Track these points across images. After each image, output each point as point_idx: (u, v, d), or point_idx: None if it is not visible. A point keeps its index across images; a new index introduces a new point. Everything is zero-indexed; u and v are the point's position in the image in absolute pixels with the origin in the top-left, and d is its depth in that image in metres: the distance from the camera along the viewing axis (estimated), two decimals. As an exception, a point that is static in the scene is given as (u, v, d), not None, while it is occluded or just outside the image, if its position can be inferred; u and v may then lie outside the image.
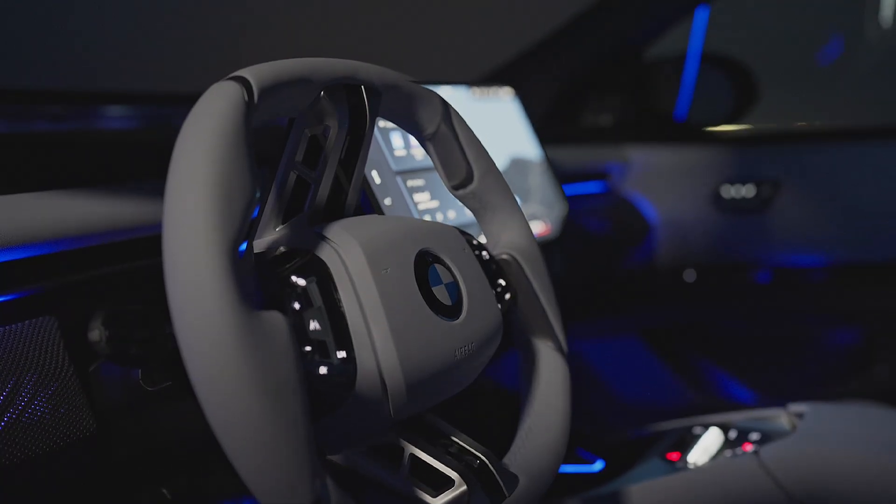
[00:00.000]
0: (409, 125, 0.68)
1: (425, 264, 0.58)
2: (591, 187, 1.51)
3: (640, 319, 1.63)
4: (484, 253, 0.69)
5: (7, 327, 0.59)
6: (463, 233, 0.68)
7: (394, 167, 0.90)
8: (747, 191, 1.52)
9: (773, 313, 1.54)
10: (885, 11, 2.29)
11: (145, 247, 0.72)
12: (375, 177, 0.87)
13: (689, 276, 1.57)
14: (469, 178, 0.70)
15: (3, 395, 0.57)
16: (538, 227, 1.11)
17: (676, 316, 1.61)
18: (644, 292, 1.60)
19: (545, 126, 1.54)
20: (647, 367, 1.61)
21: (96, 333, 0.48)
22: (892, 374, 1.42)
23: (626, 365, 1.64)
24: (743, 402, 1.56)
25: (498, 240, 0.72)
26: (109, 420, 0.61)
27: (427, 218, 0.92)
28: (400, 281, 0.55)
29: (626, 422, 1.65)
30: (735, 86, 1.69)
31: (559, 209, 1.15)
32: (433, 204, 0.93)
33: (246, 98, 0.50)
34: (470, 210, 0.72)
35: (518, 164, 1.11)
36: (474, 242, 0.68)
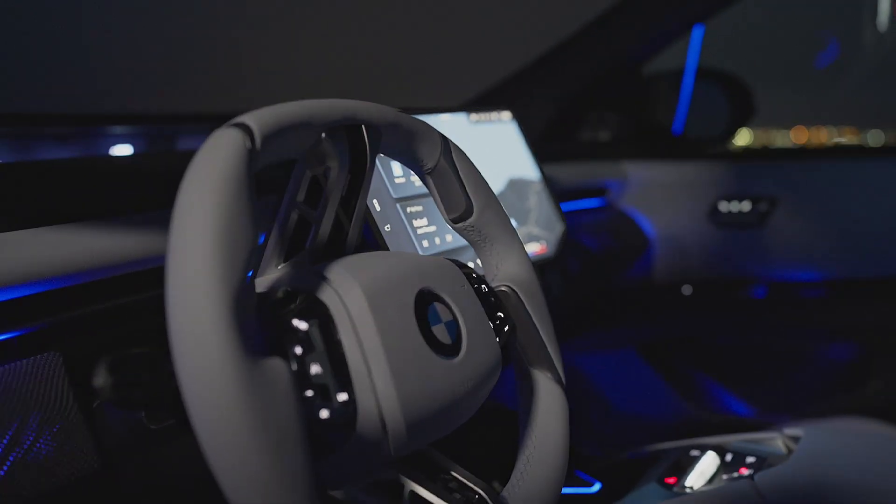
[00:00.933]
0: (409, 160, 0.69)
1: (425, 303, 0.59)
2: (589, 203, 1.52)
3: (637, 333, 1.64)
4: (483, 286, 0.69)
5: (11, 364, 0.60)
6: (462, 266, 0.69)
7: (393, 194, 0.91)
8: (744, 207, 1.53)
9: (769, 328, 1.55)
10: (882, 17, 2.30)
11: (149, 279, 0.73)
12: (376, 204, 0.88)
13: (686, 290, 1.58)
14: (468, 212, 0.71)
15: (8, 435, 0.57)
16: (536, 248, 1.11)
17: (673, 330, 1.62)
18: (641, 306, 1.61)
19: (545, 142, 1.56)
20: (644, 381, 1.62)
21: (101, 380, 0.49)
22: (887, 389, 1.43)
23: (624, 378, 1.65)
24: (739, 414, 1.57)
25: (497, 271, 0.73)
26: (114, 457, 0.62)
27: (425, 243, 0.93)
28: (400, 321, 0.56)
29: (624, 434, 1.66)
30: (732, 100, 1.70)
31: (557, 229, 1.16)
32: (431, 229, 0.94)
33: (248, 145, 0.51)
34: (469, 242, 0.73)
35: (517, 185, 1.11)
36: (473, 276, 0.69)
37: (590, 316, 1.57)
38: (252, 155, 0.51)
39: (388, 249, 0.87)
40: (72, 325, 0.66)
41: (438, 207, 0.71)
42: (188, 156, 1.19)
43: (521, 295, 0.71)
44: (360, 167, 0.62)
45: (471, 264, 0.97)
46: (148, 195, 0.80)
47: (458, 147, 0.71)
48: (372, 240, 0.87)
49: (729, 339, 1.62)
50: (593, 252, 1.48)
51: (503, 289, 0.71)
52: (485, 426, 1.15)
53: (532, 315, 0.71)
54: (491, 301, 0.69)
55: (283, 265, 0.61)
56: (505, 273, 0.73)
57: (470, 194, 0.71)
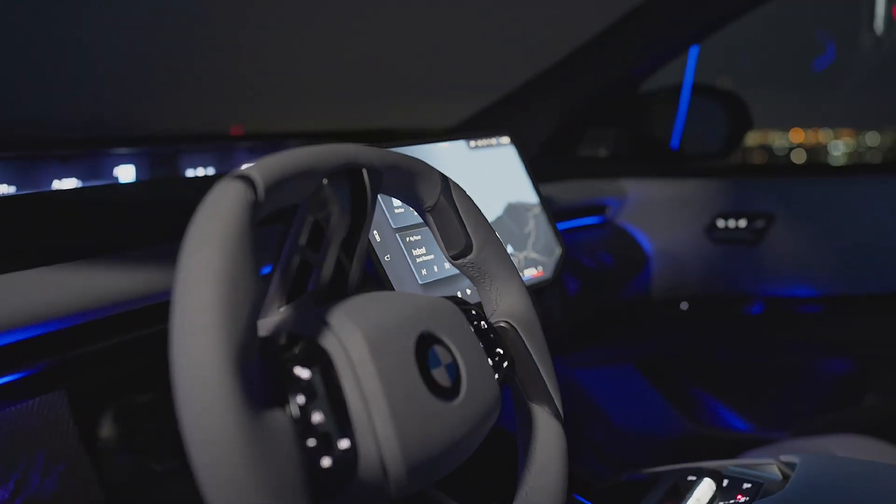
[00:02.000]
0: (410, 199, 0.70)
1: (425, 346, 0.60)
2: (588, 221, 1.53)
3: (635, 349, 1.65)
4: (482, 322, 0.70)
5: (17, 406, 0.60)
6: (461, 303, 0.70)
7: (392, 224, 0.92)
8: (741, 223, 1.54)
9: (767, 344, 1.56)
10: (879, 19, 2.31)
11: (152, 314, 0.74)
12: (376, 235, 0.89)
13: (684, 306, 1.60)
14: (468, 249, 0.72)
15: (15, 476, 0.58)
16: (534, 272, 1.12)
17: (671, 346, 1.63)
18: (640, 322, 1.62)
19: (544, 157, 1.56)
20: (643, 396, 1.63)
21: (107, 430, 0.50)
22: (884, 405, 1.44)
23: (622, 393, 1.66)
24: (737, 430, 1.58)
25: (496, 307, 0.74)
26: (118, 497, 0.62)
27: (424, 272, 0.94)
28: (401, 367, 0.56)
29: (622, 449, 1.67)
30: (729, 116, 1.71)
31: (556, 253, 1.17)
32: (430, 257, 0.95)
33: (251, 198, 0.52)
34: (469, 278, 0.74)
35: (515, 210, 1.12)
36: (472, 312, 0.70)
37: (588, 332, 1.58)
38: (255, 207, 0.52)
39: (388, 280, 0.88)
40: (76, 364, 0.67)
41: (438, 244, 0.72)
42: (190, 184, 1.20)
43: (519, 331, 0.72)
44: (362, 209, 0.63)
45: (468, 291, 0.99)
46: (151, 228, 0.81)
47: (457, 185, 0.72)
48: (372, 270, 0.88)
49: (726, 354, 1.63)
50: (592, 270, 1.49)
51: (502, 324, 0.72)
52: (483, 449, 1.16)
53: (531, 351, 0.72)
54: (490, 338, 0.70)
55: (285, 307, 0.61)
56: (504, 309, 0.73)
57: (469, 232, 0.72)
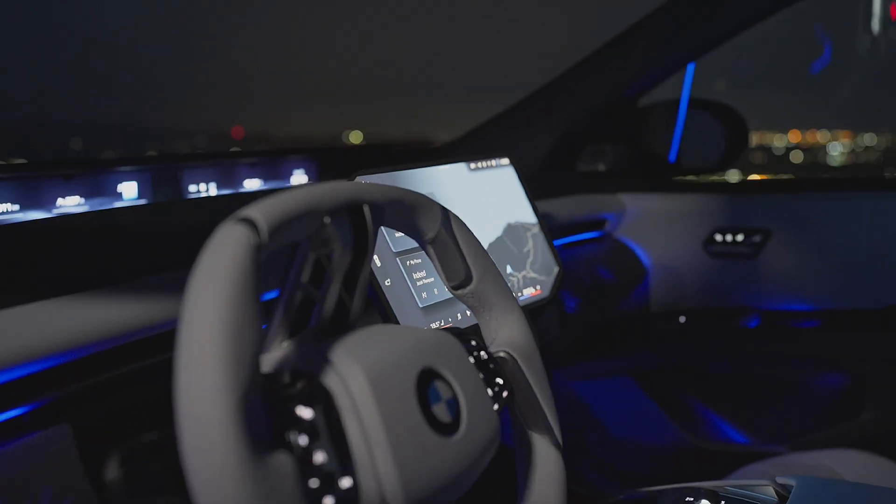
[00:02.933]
0: (411, 232, 0.71)
1: (426, 382, 0.60)
2: (587, 235, 1.54)
3: (633, 361, 1.66)
4: (482, 353, 0.71)
5: (22, 441, 0.61)
6: (461, 334, 0.70)
7: (393, 248, 0.92)
8: (738, 238, 1.55)
9: (764, 357, 1.57)
10: (876, 20, 2.31)
11: (155, 344, 0.75)
12: (376, 260, 0.89)
13: (682, 320, 1.61)
14: (468, 280, 0.73)
15: (21, 512, 0.59)
16: (532, 291, 1.13)
17: (669, 358, 1.64)
18: (638, 335, 1.63)
19: (544, 172, 1.57)
20: (641, 408, 1.64)
21: (112, 474, 0.50)
22: (879, 419, 1.45)
23: (620, 405, 1.67)
24: (734, 442, 1.59)
25: (495, 336, 0.75)
26: (123, 530, 0.63)
27: (424, 294, 0.95)
28: (402, 404, 0.57)
29: (620, 460, 1.68)
30: (726, 130, 1.72)
31: (553, 271, 1.18)
32: (430, 280, 0.95)
33: (254, 241, 0.53)
34: (469, 307, 0.75)
35: (514, 231, 1.13)
36: (472, 343, 0.71)
37: (587, 344, 1.59)
38: (258, 250, 0.53)
39: (389, 305, 0.89)
40: (80, 396, 0.68)
41: (439, 274, 0.73)
42: (192, 207, 1.21)
43: (518, 360, 0.73)
44: (363, 245, 0.64)
45: (468, 313, 1.00)
46: (154, 256, 0.82)
47: (457, 218, 0.73)
48: (373, 296, 0.89)
49: (724, 367, 1.64)
50: (591, 284, 1.50)
51: (501, 354, 0.73)
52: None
53: (530, 380, 0.73)
54: (489, 368, 0.71)
55: (287, 342, 0.62)
56: (503, 338, 0.74)
57: (469, 263, 0.73)
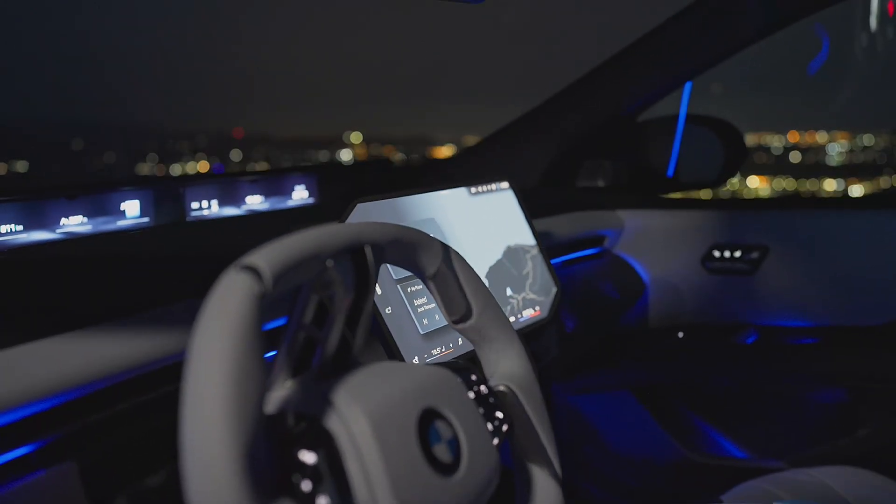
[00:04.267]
0: (412, 268, 0.72)
1: (427, 423, 0.62)
2: (586, 252, 1.55)
3: (632, 375, 1.67)
4: (482, 387, 0.72)
5: (27, 480, 0.62)
6: (461, 369, 0.72)
7: (393, 276, 0.93)
8: (736, 254, 1.56)
9: (761, 373, 1.58)
10: (874, 19, 2.30)
11: (160, 377, 0.76)
12: (377, 288, 0.90)
13: (680, 335, 1.62)
14: (468, 314, 0.74)
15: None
16: (531, 312, 1.14)
17: (667, 373, 1.65)
18: (636, 350, 1.64)
19: (543, 188, 1.59)
20: (639, 422, 1.65)
21: None
22: (876, 436, 1.46)
23: (619, 419, 1.68)
24: (731, 456, 1.60)
25: (495, 369, 0.76)
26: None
27: (425, 321, 0.96)
28: (403, 446, 0.58)
29: (619, 474, 1.69)
30: (723, 144, 1.73)
31: (552, 292, 1.19)
32: (430, 306, 0.97)
33: (258, 290, 0.54)
34: (469, 341, 0.76)
35: (513, 253, 1.14)
36: (472, 378, 0.72)
37: (586, 359, 1.60)
38: (262, 298, 0.54)
39: (390, 334, 0.90)
40: (84, 433, 0.69)
41: (440, 309, 0.74)
42: (195, 231, 1.21)
43: (518, 394, 0.74)
44: (365, 284, 0.65)
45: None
46: (158, 286, 0.83)
47: (457, 254, 0.74)
48: (375, 324, 0.90)
49: (722, 382, 1.65)
50: (590, 300, 1.51)
51: (501, 388, 0.74)
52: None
53: (530, 414, 0.74)
54: (489, 402, 0.72)
55: (290, 381, 0.63)
56: (503, 372, 0.76)
57: (469, 298, 0.74)
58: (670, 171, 1.72)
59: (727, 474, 1.54)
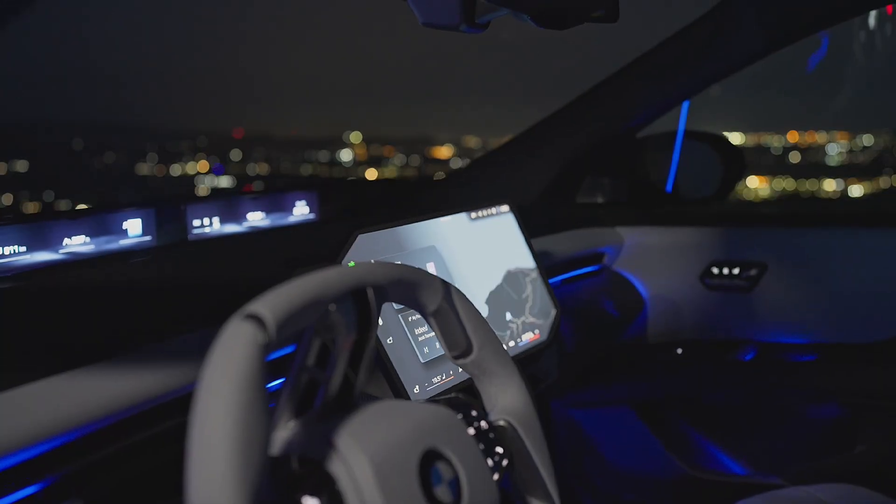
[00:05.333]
0: (413, 305, 0.73)
1: (428, 464, 0.63)
2: (586, 269, 1.56)
3: (631, 391, 1.68)
4: (482, 423, 0.73)
5: None
6: (462, 406, 0.73)
7: (395, 306, 0.94)
8: (735, 271, 1.58)
9: (759, 389, 1.60)
10: (872, 18, 2.30)
11: (164, 411, 0.77)
12: (378, 320, 0.91)
13: (679, 352, 1.63)
14: (468, 350, 0.75)
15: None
16: (531, 336, 1.15)
17: (666, 388, 1.66)
18: (636, 366, 1.65)
19: (543, 204, 1.60)
20: (638, 437, 1.66)
21: None
22: (873, 453, 1.47)
23: (618, 434, 1.69)
24: (730, 472, 1.62)
25: (495, 403, 0.77)
26: None
27: (426, 349, 0.97)
28: (405, 489, 0.59)
29: (617, 488, 1.70)
30: (722, 160, 1.74)
31: (551, 314, 1.20)
32: (431, 334, 0.98)
33: (262, 340, 0.55)
34: (470, 376, 0.77)
35: (513, 277, 1.15)
36: (473, 414, 0.73)
37: (586, 374, 1.61)
38: (266, 347, 0.55)
39: (391, 365, 0.91)
40: (90, 470, 0.69)
41: (441, 345, 0.75)
42: (199, 254, 1.21)
43: (518, 429, 0.75)
44: (367, 324, 0.66)
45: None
46: (163, 318, 0.84)
47: (458, 290, 0.75)
48: (376, 355, 0.91)
49: (720, 398, 1.66)
50: (590, 317, 1.52)
51: (501, 423, 0.75)
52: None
53: (529, 449, 0.75)
54: (489, 437, 0.73)
55: (293, 421, 0.64)
56: (503, 406, 0.77)
57: (469, 334, 0.75)
58: (669, 187, 1.73)
59: (726, 490, 1.55)
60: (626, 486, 1.69)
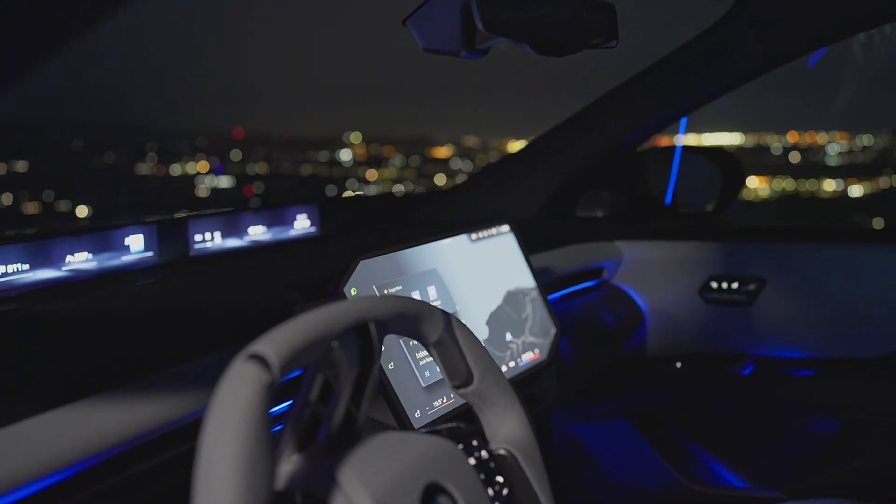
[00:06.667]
0: (415, 336, 0.74)
1: (430, 498, 0.63)
2: (586, 284, 1.57)
3: (630, 404, 1.69)
4: (483, 452, 0.74)
5: None
6: (462, 436, 0.74)
7: (396, 331, 0.95)
8: (734, 286, 1.58)
9: (758, 403, 1.60)
10: None
11: (170, 439, 0.77)
12: (381, 353, 0.92)
13: (678, 365, 1.64)
14: (469, 380, 0.76)
15: None
16: (531, 356, 1.16)
17: (665, 402, 1.67)
18: (634, 379, 1.66)
19: (543, 218, 1.60)
20: (637, 450, 1.67)
21: None
22: (870, 467, 1.48)
23: (617, 447, 1.70)
24: (728, 485, 1.62)
25: (496, 432, 0.78)
26: None
27: (427, 373, 0.98)
28: (407, 525, 0.60)
29: (616, 500, 1.71)
30: (721, 173, 1.75)
31: (551, 333, 1.21)
32: (431, 359, 0.98)
33: (267, 380, 0.55)
34: (471, 405, 0.78)
35: (513, 297, 1.16)
36: (473, 444, 0.74)
37: (585, 387, 1.62)
38: (270, 387, 0.56)
39: (393, 390, 0.92)
40: (97, 501, 0.70)
41: (442, 374, 0.76)
42: (200, 273, 1.22)
43: (518, 458, 0.76)
44: (369, 359, 0.67)
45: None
46: (168, 345, 0.85)
47: (459, 321, 0.75)
48: (377, 383, 0.91)
49: (719, 412, 1.67)
50: (589, 331, 1.53)
51: (501, 452, 0.76)
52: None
53: (529, 477, 0.76)
54: (490, 467, 0.74)
55: (296, 455, 0.65)
56: (503, 435, 0.77)
57: (470, 364, 0.76)
58: (668, 200, 1.74)
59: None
60: (625, 500, 1.70)
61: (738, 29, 1.42)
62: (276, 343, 0.58)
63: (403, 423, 0.93)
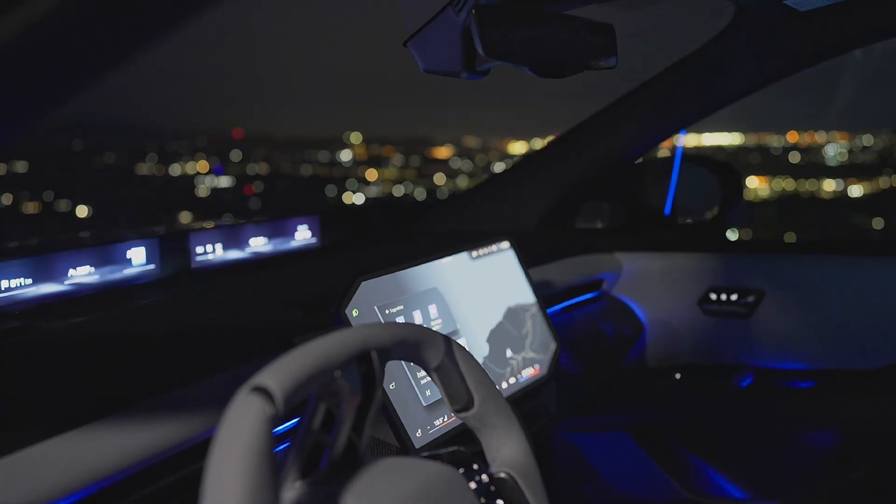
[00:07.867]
0: (416, 362, 0.74)
1: (431, 527, 0.64)
2: (585, 297, 1.58)
3: (629, 416, 1.69)
4: (484, 476, 0.75)
5: None
6: (463, 460, 0.74)
7: (397, 350, 0.96)
8: (733, 298, 1.59)
9: (757, 414, 1.61)
10: None
11: (175, 462, 0.78)
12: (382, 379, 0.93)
13: (677, 377, 1.64)
14: (470, 404, 0.77)
15: None
16: (531, 371, 1.17)
17: (664, 413, 1.68)
18: (634, 391, 1.67)
19: (543, 229, 1.61)
20: (637, 462, 1.68)
21: None
22: (869, 479, 1.49)
23: (616, 459, 1.70)
24: (728, 497, 1.63)
25: (496, 455, 0.79)
26: None
27: (428, 392, 0.98)
28: (408, 555, 0.61)
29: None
30: (720, 183, 1.76)
31: (551, 348, 1.22)
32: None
33: (270, 412, 0.56)
34: (471, 428, 0.79)
35: (514, 313, 1.17)
36: (474, 467, 0.75)
37: (584, 399, 1.63)
38: (274, 419, 0.56)
39: (394, 410, 0.93)
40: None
41: (444, 399, 0.77)
42: (203, 292, 1.22)
43: (519, 480, 0.77)
44: (371, 387, 0.68)
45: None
46: (173, 366, 0.85)
47: (460, 346, 0.76)
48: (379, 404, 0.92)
49: (718, 423, 1.68)
50: (588, 343, 1.54)
51: (502, 475, 0.77)
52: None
53: (530, 500, 0.77)
54: (491, 490, 0.75)
55: (299, 482, 0.66)
56: (504, 458, 0.78)
57: (471, 388, 0.76)
58: (667, 211, 1.74)
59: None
60: (624, 510, 1.70)
61: (737, 44, 1.43)
62: (279, 375, 0.59)
63: (405, 442, 0.93)
